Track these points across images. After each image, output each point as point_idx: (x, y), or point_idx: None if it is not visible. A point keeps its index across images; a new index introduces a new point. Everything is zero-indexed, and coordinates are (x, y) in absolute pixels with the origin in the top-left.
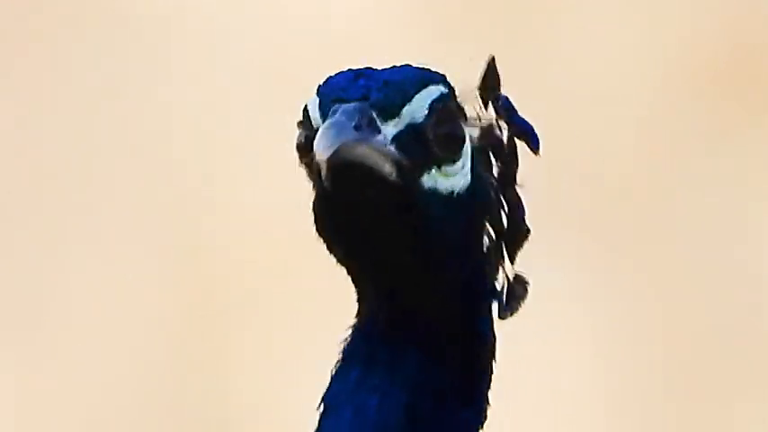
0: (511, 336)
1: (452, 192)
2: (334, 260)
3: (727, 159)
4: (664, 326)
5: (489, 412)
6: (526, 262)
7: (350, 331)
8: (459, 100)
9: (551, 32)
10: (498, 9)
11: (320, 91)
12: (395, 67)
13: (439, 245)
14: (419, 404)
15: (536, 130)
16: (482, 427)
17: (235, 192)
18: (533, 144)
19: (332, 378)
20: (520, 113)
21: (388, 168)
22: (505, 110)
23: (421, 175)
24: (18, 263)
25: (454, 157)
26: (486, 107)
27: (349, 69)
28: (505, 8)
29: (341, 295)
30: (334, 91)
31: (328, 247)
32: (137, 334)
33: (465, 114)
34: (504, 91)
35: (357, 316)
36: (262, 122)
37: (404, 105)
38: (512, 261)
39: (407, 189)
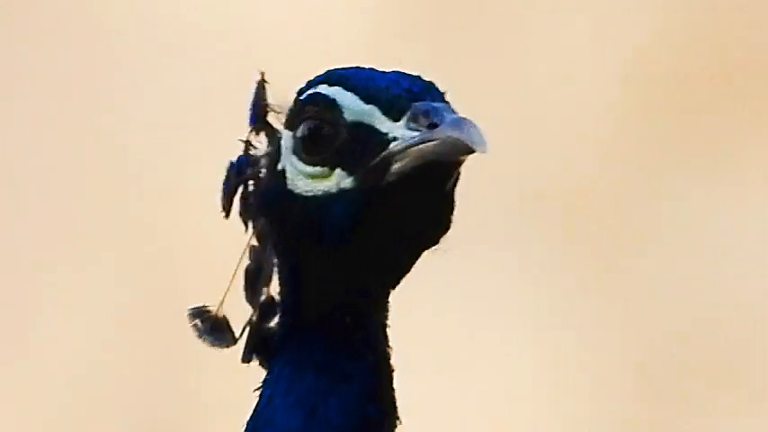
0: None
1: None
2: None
3: (697, 166)
4: (629, 334)
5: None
6: (499, 267)
7: (282, 335)
8: None
9: (519, 39)
10: (466, 12)
11: (372, 86)
12: (399, 72)
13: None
14: (366, 405)
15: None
16: None
17: (206, 194)
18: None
19: (272, 381)
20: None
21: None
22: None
23: None
24: None
25: None
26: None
27: (359, 67)
28: (473, 12)
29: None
30: (400, 89)
31: (313, 240)
32: (107, 334)
33: None
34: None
35: (287, 318)
36: (233, 124)
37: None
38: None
39: (450, 183)
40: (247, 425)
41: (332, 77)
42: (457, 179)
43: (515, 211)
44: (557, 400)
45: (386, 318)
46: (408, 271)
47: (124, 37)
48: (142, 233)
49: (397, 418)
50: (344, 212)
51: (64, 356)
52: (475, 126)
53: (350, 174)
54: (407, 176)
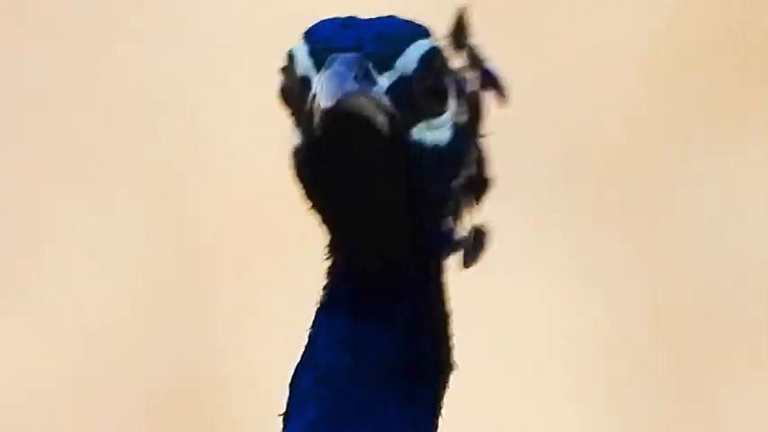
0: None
1: (437, 145)
2: (309, 207)
3: (726, 128)
4: (647, 300)
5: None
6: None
7: (328, 276)
8: (444, 54)
9: (541, 10)
10: None
11: (310, 38)
12: (381, 18)
13: (421, 196)
14: (413, 348)
15: (503, 80)
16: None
17: (223, 149)
18: (502, 94)
19: (317, 322)
20: (490, 63)
21: (381, 120)
22: (475, 59)
23: (410, 127)
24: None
25: (439, 110)
26: (456, 56)
27: (335, 18)
28: None
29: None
30: (327, 40)
31: (306, 194)
32: (122, 283)
33: (449, 68)
34: (475, 40)
35: (332, 261)
36: (250, 79)
37: (397, 57)
38: (473, 212)
39: (397, 142)
40: (295, 369)
41: (306, 30)
42: (395, 139)
43: (545, 167)
44: (572, 345)
45: (435, 267)
46: (400, 226)
47: None
48: (169, 180)
49: (453, 362)
50: (295, 170)
51: (80, 308)
52: (330, 77)
53: (300, 130)
54: (321, 134)
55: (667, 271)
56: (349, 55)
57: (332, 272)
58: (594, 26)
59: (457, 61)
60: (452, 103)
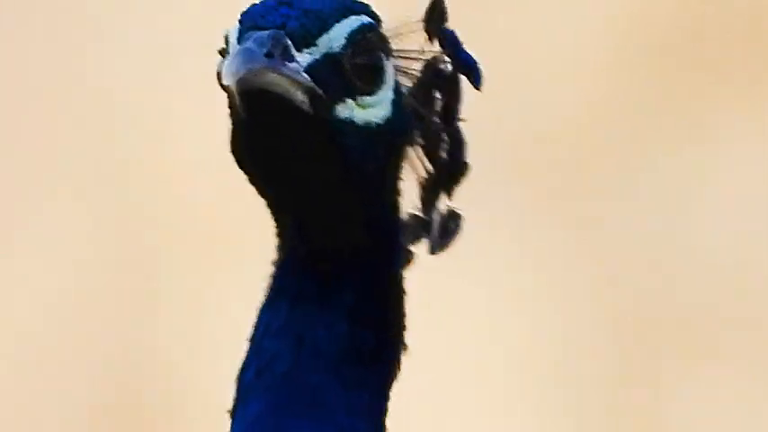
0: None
1: (369, 123)
2: (255, 191)
3: (686, 121)
4: (600, 292)
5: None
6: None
7: (273, 267)
8: (382, 31)
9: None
10: None
11: (240, 18)
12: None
13: (356, 175)
14: (358, 333)
15: (479, 66)
16: (394, 377)
17: (168, 143)
18: (475, 80)
19: (260, 312)
20: (464, 48)
21: (300, 97)
22: (450, 44)
23: (335, 104)
24: None
25: (372, 88)
26: (431, 40)
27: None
28: None
29: (269, 243)
30: (253, 18)
31: (247, 176)
32: (63, 283)
33: (387, 46)
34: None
35: (278, 251)
36: (196, 76)
37: (321, 34)
38: (449, 196)
39: (321, 118)
40: (241, 363)
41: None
42: (319, 118)
43: (498, 158)
44: (532, 349)
45: (389, 244)
46: (339, 204)
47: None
48: (113, 177)
49: (404, 345)
50: (232, 153)
51: (18, 309)
52: (236, 55)
53: (230, 112)
54: (245, 114)
55: (621, 264)
56: (264, 33)
57: (277, 263)
58: (556, 15)
59: (405, 41)
60: (390, 81)
